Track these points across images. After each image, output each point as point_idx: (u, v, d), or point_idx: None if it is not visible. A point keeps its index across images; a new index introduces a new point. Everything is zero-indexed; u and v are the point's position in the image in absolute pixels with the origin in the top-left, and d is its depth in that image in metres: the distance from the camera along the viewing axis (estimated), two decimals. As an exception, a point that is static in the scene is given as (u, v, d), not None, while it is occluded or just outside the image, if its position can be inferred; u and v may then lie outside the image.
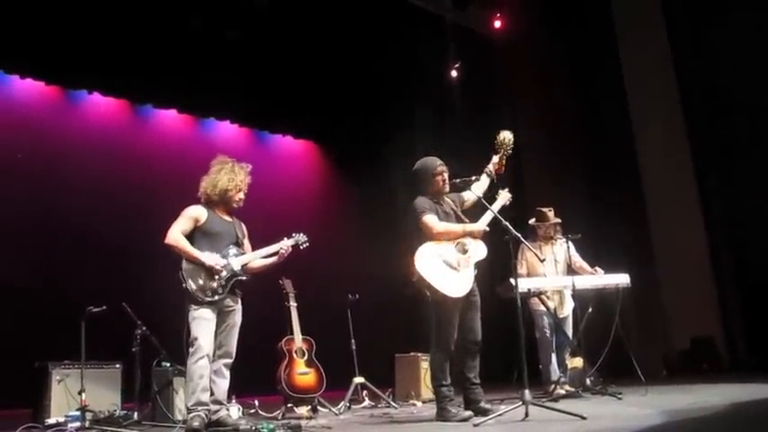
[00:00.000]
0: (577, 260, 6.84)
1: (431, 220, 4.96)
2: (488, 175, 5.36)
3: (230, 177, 4.96)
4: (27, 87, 8.39)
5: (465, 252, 4.93)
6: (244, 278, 4.89)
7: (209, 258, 4.75)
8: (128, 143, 9.08)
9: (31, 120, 8.33)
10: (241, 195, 5.02)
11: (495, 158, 5.41)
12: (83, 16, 8.02)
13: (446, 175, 5.15)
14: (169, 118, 9.74)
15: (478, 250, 4.98)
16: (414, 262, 4.82)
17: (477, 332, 5.00)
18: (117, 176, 8.70)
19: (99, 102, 8.97)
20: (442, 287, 4.76)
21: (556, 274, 6.82)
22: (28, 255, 7.66)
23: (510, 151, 5.44)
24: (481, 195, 5.17)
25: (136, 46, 8.41)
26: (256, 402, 6.35)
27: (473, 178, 5.16)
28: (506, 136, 5.40)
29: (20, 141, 8.06)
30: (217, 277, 4.75)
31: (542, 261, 6.28)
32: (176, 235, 4.80)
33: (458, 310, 4.88)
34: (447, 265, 4.84)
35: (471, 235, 4.99)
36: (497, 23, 11.15)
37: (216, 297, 4.73)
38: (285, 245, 5.02)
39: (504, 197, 5.32)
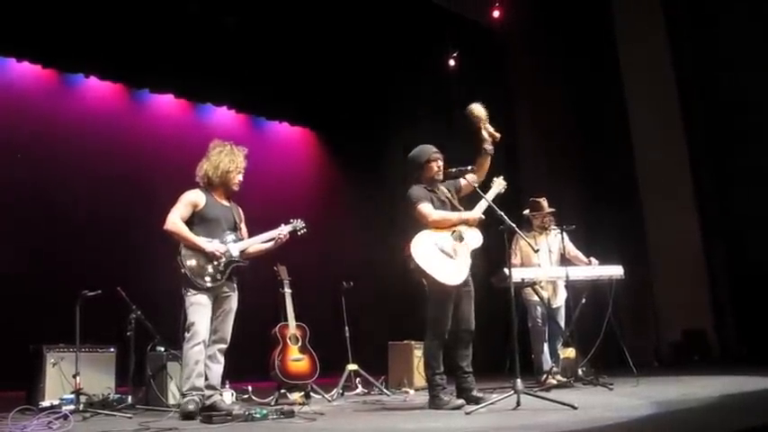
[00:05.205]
0: (572, 249, 6.86)
1: (426, 208, 4.97)
2: (489, 153, 5.19)
3: (231, 159, 4.98)
4: (24, 70, 8.32)
5: (461, 240, 4.95)
6: (242, 264, 4.91)
7: (210, 245, 4.76)
8: (124, 127, 9.02)
9: (28, 103, 8.27)
10: (240, 177, 5.04)
11: (484, 133, 5.21)
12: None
13: (440, 163, 5.15)
14: (165, 103, 9.68)
15: (474, 238, 5.00)
16: (410, 249, 4.84)
17: (471, 321, 5.03)
18: (113, 161, 8.67)
19: (96, 86, 8.91)
20: (439, 275, 4.78)
21: (550, 264, 6.86)
22: (23, 238, 7.63)
23: (487, 119, 5.23)
24: (477, 185, 5.16)
25: (133, 30, 8.36)
26: (250, 388, 6.36)
27: (469, 168, 5.15)
28: (477, 107, 5.25)
29: (16, 124, 8.01)
30: (215, 263, 4.77)
31: (536, 251, 6.29)
32: (176, 221, 4.80)
33: (452, 299, 4.90)
34: (443, 253, 4.87)
35: (467, 223, 5.01)
36: (496, 13, 11.12)
37: (214, 283, 4.76)
38: (283, 231, 5.05)
39: (498, 184, 5.31)
